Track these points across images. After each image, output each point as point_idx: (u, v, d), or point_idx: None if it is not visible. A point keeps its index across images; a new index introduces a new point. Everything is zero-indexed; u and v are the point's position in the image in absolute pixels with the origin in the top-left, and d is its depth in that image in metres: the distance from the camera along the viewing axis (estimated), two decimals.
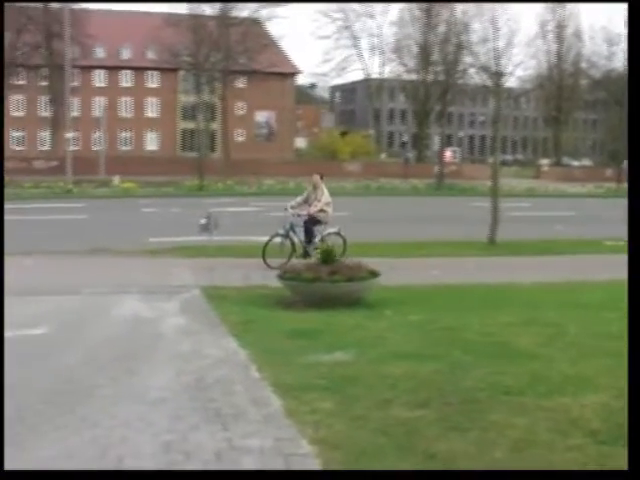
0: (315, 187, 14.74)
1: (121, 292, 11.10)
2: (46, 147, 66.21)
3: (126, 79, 72.94)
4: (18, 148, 69.28)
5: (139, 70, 72.27)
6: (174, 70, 66.03)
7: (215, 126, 67.60)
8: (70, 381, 6.39)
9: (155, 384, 6.29)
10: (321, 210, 14.40)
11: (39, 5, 61.79)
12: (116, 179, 42.61)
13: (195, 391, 6.11)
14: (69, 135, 43.34)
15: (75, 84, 57.66)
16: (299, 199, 14.80)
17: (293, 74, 76.70)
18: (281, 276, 10.55)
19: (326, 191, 14.65)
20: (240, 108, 72.03)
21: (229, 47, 58.43)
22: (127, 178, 41.77)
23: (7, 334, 8.22)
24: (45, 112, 66.61)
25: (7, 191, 37.90)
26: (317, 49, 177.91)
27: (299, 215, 14.47)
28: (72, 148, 43.89)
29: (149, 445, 4.90)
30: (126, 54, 72.10)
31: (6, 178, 44.97)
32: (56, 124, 59.83)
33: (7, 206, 29.19)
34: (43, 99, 66.65)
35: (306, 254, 14.20)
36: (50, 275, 13.02)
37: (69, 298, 10.74)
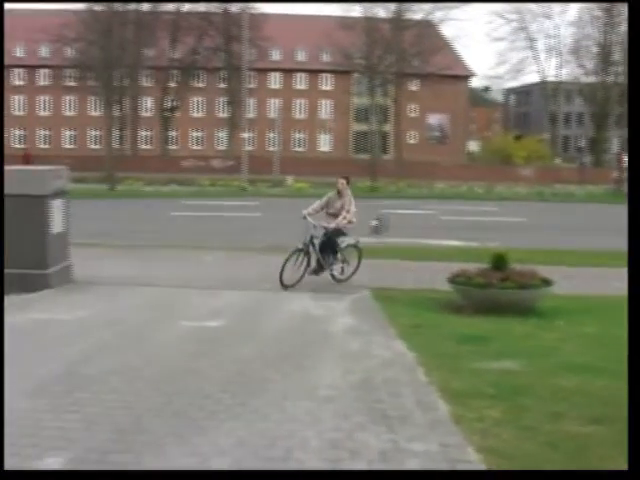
0: (340, 193, 12.45)
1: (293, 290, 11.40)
2: (223, 147, 68.76)
3: (300, 81, 74.47)
4: (197, 147, 72.31)
5: (313, 72, 73.58)
6: (347, 72, 66.69)
7: (387, 128, 67.82)
8: (244, 373, 6.62)
9: (323, 382, 6.40)
10: (349, 222, 12.37)
11: (219, 10, 64.33)
12: (289, 179, 43.62)
13: (362, 391, 6.16)
14: (245, 135, 44.87)
15: (252, 86, 59.61)
16: (316, 205, 12.56)
17: (467, 77, 75.72)
18: (452, 280, 10.46)
19: (352, 199, 12.51)
20: (413, 110, 71.94)
21: (402, 49, 58.44)
22: (300, 178, 42.65)
23: (189, 324, 8.66)
24: (223, 113, 69.20)
25: (189, 189, 39.82)
26: (491, 51, 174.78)
27: (325, 226, 12.24)
28: (248, 148, 45.45)
29: (316, 440, 5.00)
30: (301, 56, 73.62)
31: (187, 176, 47.11)
32: (233, 125, 62.12)
33: (188, 202, 30.75)
34: (221, 100, 69.29)
35: (320, 269, 12.36)
36: (226, 270, 13.52)
37: (244, 293, 11.15)
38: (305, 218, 12.29)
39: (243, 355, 7.31)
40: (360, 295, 11.02)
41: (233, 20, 61.82)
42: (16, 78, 71.75)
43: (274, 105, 68.18)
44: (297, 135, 73.81)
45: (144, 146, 68.75)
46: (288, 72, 73.47)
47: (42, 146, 71.15)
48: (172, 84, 66.74)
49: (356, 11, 58.88)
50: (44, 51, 68.64)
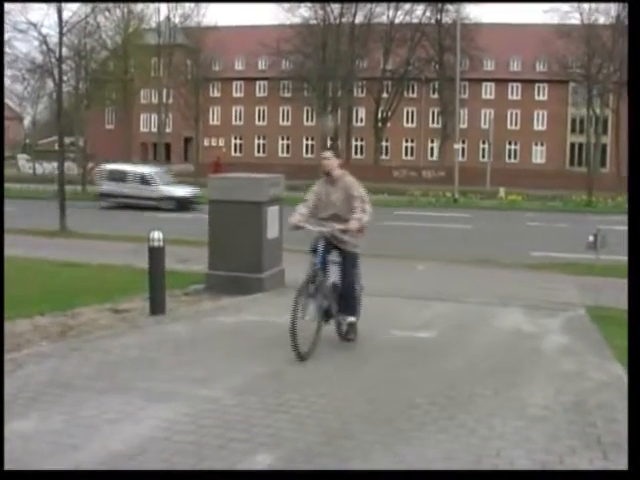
0: (330, 177, 7.78)
1: (503, 304, 11.15)
2: (434, 157, 68.72)
3: (514, 91, 72.80)
4: (408, 158, 72.67)
5: (528, 82, 71.68)
6: (564, 82, 64.50)
7: (606, 140, 65.02)
8: (452, 386, 6.55)
9: (533, 401, 6.21)
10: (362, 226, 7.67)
11: (432, 21, 64.50)
12: (501, 191, 42.87)
13: (574, 413, 5.92)
14: (457, 146, 44.49)
15: (464, 96, 59.15)
16: (303, 209, 7.72)
17: None
18: None
19: (360, 186, 7.84)
20: None
21: (624, 58, 55.82)
22: (512, 191, 41.87)
23: (400, 334, 8.66)
24: (435, 124, 69.15)
25: (400, 199, 40.18)
26: None
27: (342, 229, 7.54)
28: (459, 159, 45.05)
29: (525, 460, 4.84)
30: (515, 66, 72.02)
31: (398, 186, 47.55)
32: (445, 135, 61.91)
33: (399, 212, 30.99)
34: (433, 111, 69.31)
35: (328, 314, 7.62)
36: (437, 281, 13.46)
37: (454, 305, 11.02)
38: (299, 228, 7.63)
39: (452, 368, 7.24)
40: (574, 313, 10.60)
41: (446, 30, 61.76)
42: (235, 90, 75.49)
43: (487, 116, 67.23)
44: (510, 146, 72.31)
45: (356, 155, 70.07)
46: (502, 82, 72.07)
47: (258, 154, 74.37)
48: (384, 95, 67.56)
49: (574, 18, 56.69)
50: (262, 64, 71.69)
